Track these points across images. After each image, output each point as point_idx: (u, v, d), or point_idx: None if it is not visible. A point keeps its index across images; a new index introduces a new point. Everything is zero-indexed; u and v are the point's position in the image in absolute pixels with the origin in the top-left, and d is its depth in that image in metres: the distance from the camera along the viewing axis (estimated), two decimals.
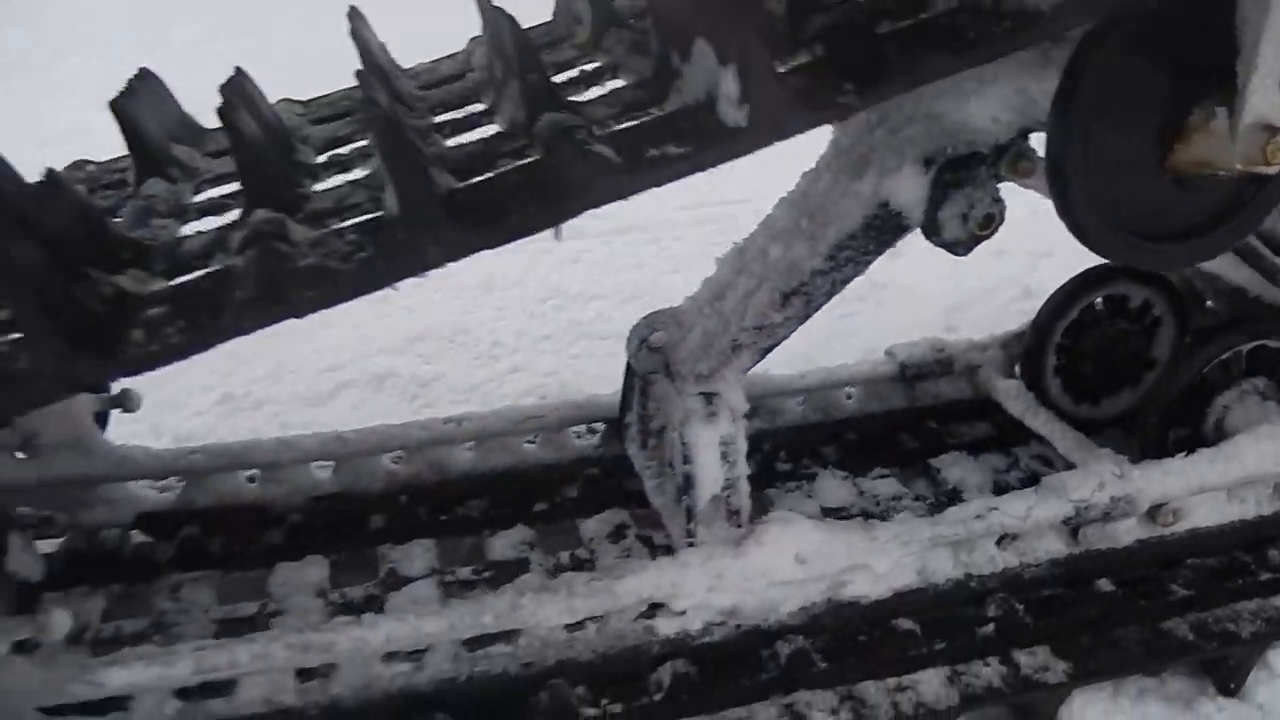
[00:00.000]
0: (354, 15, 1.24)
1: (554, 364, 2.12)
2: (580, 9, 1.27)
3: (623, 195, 0.77)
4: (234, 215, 1.01)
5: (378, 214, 0.83)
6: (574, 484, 1.46)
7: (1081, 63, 0.94)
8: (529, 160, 0.84)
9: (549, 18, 1.38)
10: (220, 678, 1.00)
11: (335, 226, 0.83)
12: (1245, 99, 0.94)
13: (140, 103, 1.17)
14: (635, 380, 1.38)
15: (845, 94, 0.80)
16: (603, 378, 1.96)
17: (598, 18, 1.20)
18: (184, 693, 1.01)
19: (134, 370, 0.73)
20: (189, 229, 0.99)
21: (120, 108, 1.10)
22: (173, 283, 0.81)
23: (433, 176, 0.80)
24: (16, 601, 1.08)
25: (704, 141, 0.79)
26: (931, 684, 1.13)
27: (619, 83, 1.03)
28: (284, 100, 1.31)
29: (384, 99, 0.93)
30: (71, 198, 0.86)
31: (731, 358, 1.18)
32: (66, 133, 3.07)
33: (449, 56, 1.34)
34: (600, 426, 1.49)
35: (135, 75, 1.25)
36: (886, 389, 1.60)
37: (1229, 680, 1.22)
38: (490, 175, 0.82)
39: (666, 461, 1.38)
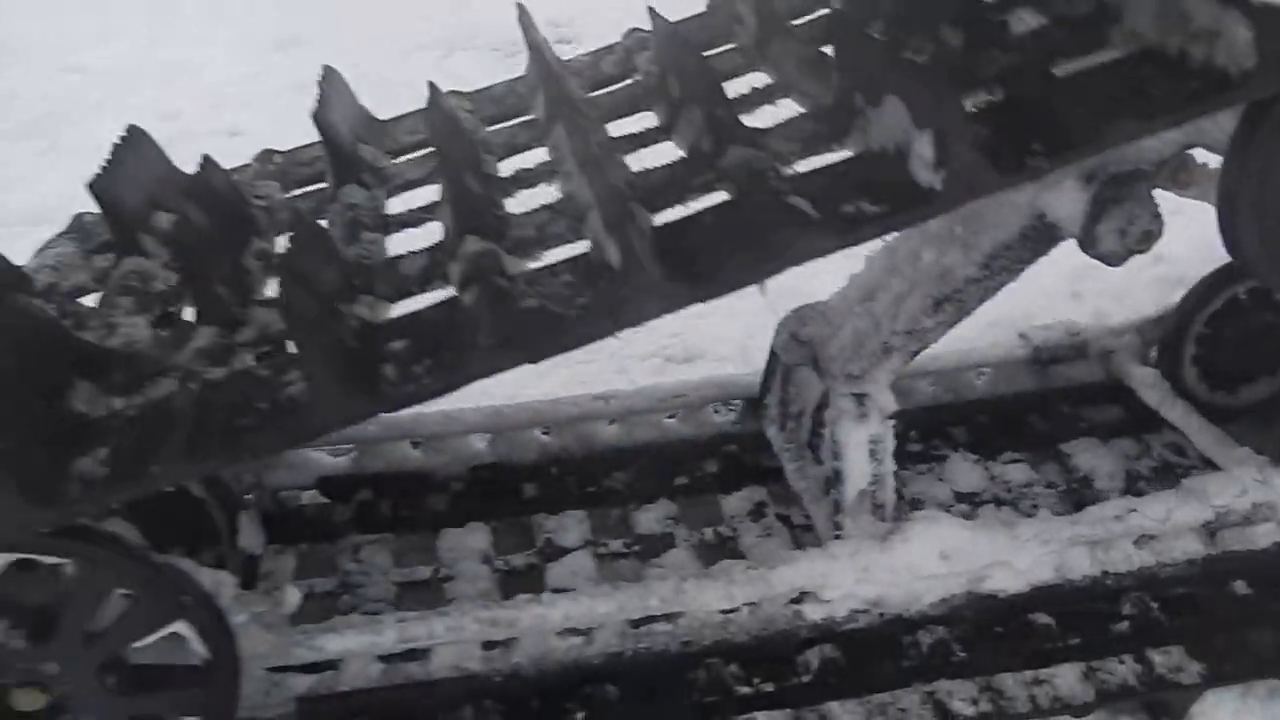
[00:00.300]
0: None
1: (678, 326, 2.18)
2: (742, 9, 1.28)
3: (819, 254, 0.82)
4: (433, 227, 1.09)
5: (584, 250, 0.90)
6: (713, 459, 1.53)
7: (1262, 110, 0.94)
8: (724, 202, 0.89)
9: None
10: (418, 646, 1.12)
11: (547, 263, 0.89)
12: None
13: (332, 107, 1.25)
14: (779, 366, 1.43)
15: (1036, 157, 0.83)
16: (720, 340, 2.02)
17: (763, 23, 1.22)
18: (386, 657, 1.13)
19: (394, 408, 0.81)
20: (393, 243, 1.06)
21: (320, 117, 1.17)
22: (403, 313, 0.89)
23: (636, 216, 0.85)
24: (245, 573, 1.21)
25: (898, 201, 0.83)
26: (1068, 679, 1.19)
27: (793, 106, 1.06)
28: (452, 93, 1.37)
29: (587, 141, 0.97)
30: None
31: (882, 359, 1.22)
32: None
33: (607, 51, 1.37)
34: (737, 404, 1.55)
35: (322, 78, 1.31)
36: (1018, 371, 1.63)
37: None
38: (688, 216, 0.88)
39: (804, 444, 1.45)
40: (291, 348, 0.91)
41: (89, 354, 0.96)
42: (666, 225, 0.87)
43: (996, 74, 0.93)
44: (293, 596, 1.06)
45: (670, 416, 1.53)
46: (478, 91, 1.37)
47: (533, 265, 0.91)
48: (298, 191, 1.26)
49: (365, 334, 0.86)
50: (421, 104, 1.29)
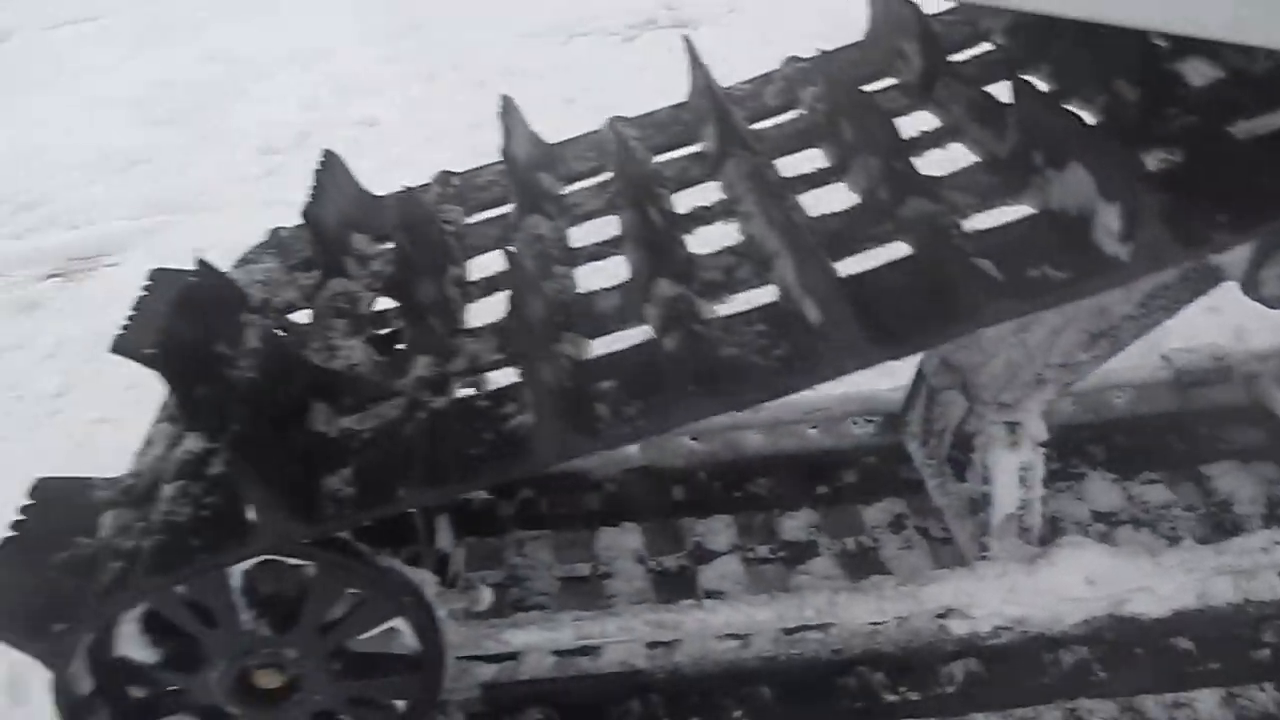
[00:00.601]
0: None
1: None
2: (905, 45, 1.32)
3: (1007, 318, 0.87)
4: (617, 260, 1.18)
5: (772, 298, 0.97)
6: (853, 470, 1.60)
7: None
8: (907, 256, 0.95)
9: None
10: (591, 643, 1.23)
11: (739, 310, 0.97)
12: None
13: (515, 138, 1.34)
14: (924, 387, 1.49)
15: (1221, 231, 0.86)
16: None
17: (928, 62, 1.26)
18: (560, 651, 1.24)
19: (610, 447, 0.90)
20: (581, 276, 1.15)
21: (506, 150, 1.26)
22: (604, 352, 0.98)
23: (828, 271, 0.91)
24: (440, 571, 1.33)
25: (1083, 270, 0.88)
26: (1208, 703, 1.23)
27: (966, 154, 1.10)
28: (618, 119, 1.44)
29: (765, 182, 1.04)
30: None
31: (1035, 390, 1.27)
32: None
33: (767, 80, 1.43)
34: (877, 418, 1.61)
35: (502, 109, 1.41)
36: (1159, 392, 1.64)
37: None
38: (873, 269, 0.94)
39: (944, 460, 1.51)
40: (501, 380, 1.02)
41: (321, 376, 1.07)
42: (855, 278, 0.94)
43: (1176, 133, 0.96)
44: (487, 595, 1.17)
45: (813, 427, 1.61)
46: (643, 117, 1.44)
47: (723, 311, 0.99)
48: (479, 217, 1.36)
49: (577, 371, 0.95)
50: (545, 93, 1.37)
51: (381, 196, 1.45)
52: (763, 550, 1.50)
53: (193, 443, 1.07)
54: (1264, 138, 0.94)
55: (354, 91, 3.36)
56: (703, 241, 1.12)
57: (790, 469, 1.59)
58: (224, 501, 0.97)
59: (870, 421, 1.63)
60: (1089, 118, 1.04)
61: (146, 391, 2.06)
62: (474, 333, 1.10)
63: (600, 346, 1.03)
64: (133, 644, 1.05)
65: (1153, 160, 0.96)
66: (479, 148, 2.87)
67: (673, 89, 1.43)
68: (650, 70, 3.06)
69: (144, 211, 2.54)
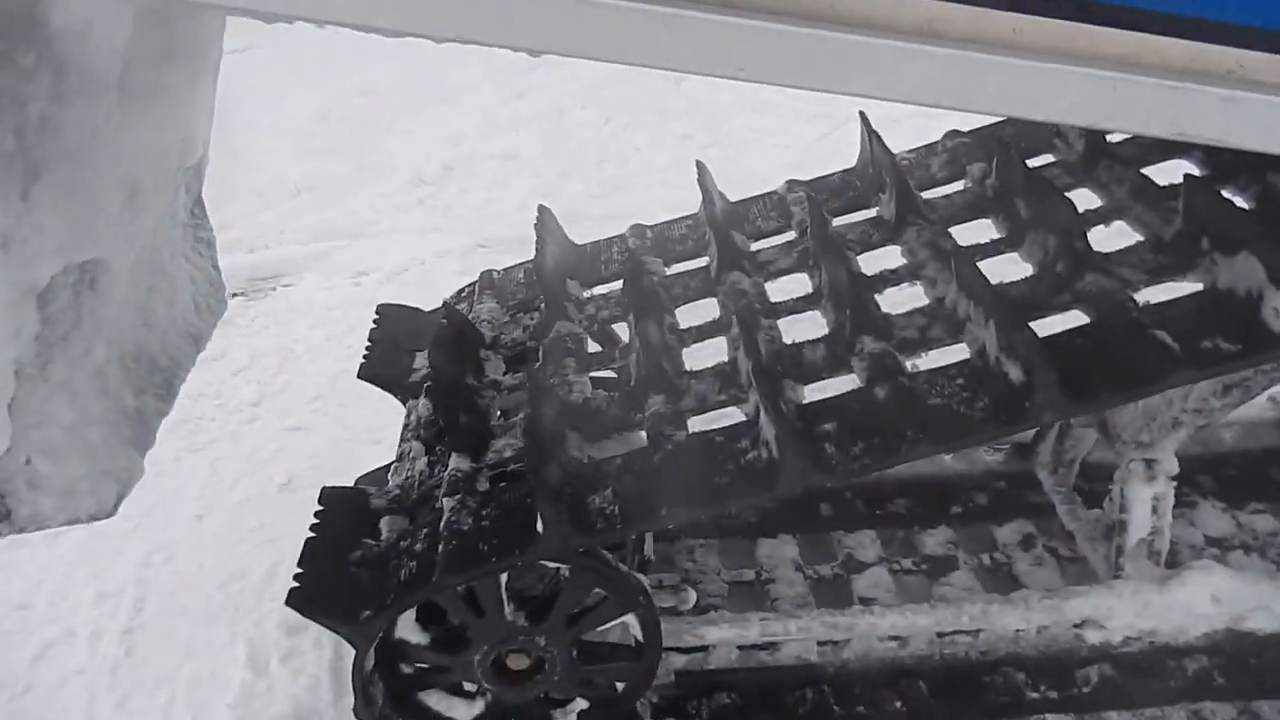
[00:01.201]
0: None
1: None
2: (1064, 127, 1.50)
3: (1182, 384, 1.04)
4: (816, 315, 1.37)
5: (966, 355, 1.16)
6: (984, 493, 1.78)
7: None
8: (1088, 324, 1.13)
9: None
10: (773, 640, 1.42)
11: (940, 365, 1.15)
12: None
13: (714, 200, 1.53)
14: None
15: None
16: None
17: (1089, 144, 1.43)
18: (746, 646, 1.43)
19: (839, 482, 1.08)
20: (784, 329, 1.34)
21: (709, 216, 1.46)
22: (821, 398, 1.17)
23: (1033, 338, 1.08)
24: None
25: (1254, 344, 1.05)
26: None
27: (1130, 233, 1.28)
28: (793, 182, 1.64)
29: (946, 249, 1.22)
30: None
31: (1171, 431, 1.43)
32: None
33: (931, 151, 1.60)
34: (1006, 446, 1.79)
35: (699, 174, 1.61)
36: (1265, 430, 1.80)
37: None
38: (1059, 334, 1.12)
39: (1072, 488, 1.68)
40: (741, 416, 1.21)
41: (570, 408, 1.28)
42: (1049, 341, 1.11)
43: None
44: (692, 596, 1.37)
45: (948, 454, 1.78)
46: (816, 181, 1.63)
47: (923, 364, 1.18)
48: (678, 268, 1.56)
49: (802, 413, 1.15)
50: (671, 133, 1.56)
51: (584, 246, 1.66)
52: (906, 563, 1.68)
53: (458, 462, 1.28)
54: None
55: (492, 126, 3.56)
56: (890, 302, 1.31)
57: (926, 490, 1.78)
58: (505, 513, 1.18)
59: (999, 450, 1.81)
60: (1245, 204, 1.21)
61: (330, 404, 2.29)
62: (696, 374, 1.30)
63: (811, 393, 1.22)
64: (409, 628, 1.26)
65: None
66: (609, 181, 3.08)
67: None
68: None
69: (312, 237, 2.79)
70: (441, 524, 1.19)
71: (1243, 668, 1.43)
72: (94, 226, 1.06)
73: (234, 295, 2.62)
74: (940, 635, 1.44)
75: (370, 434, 2.13)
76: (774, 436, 1.11)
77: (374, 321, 1.66)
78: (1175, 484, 1.44)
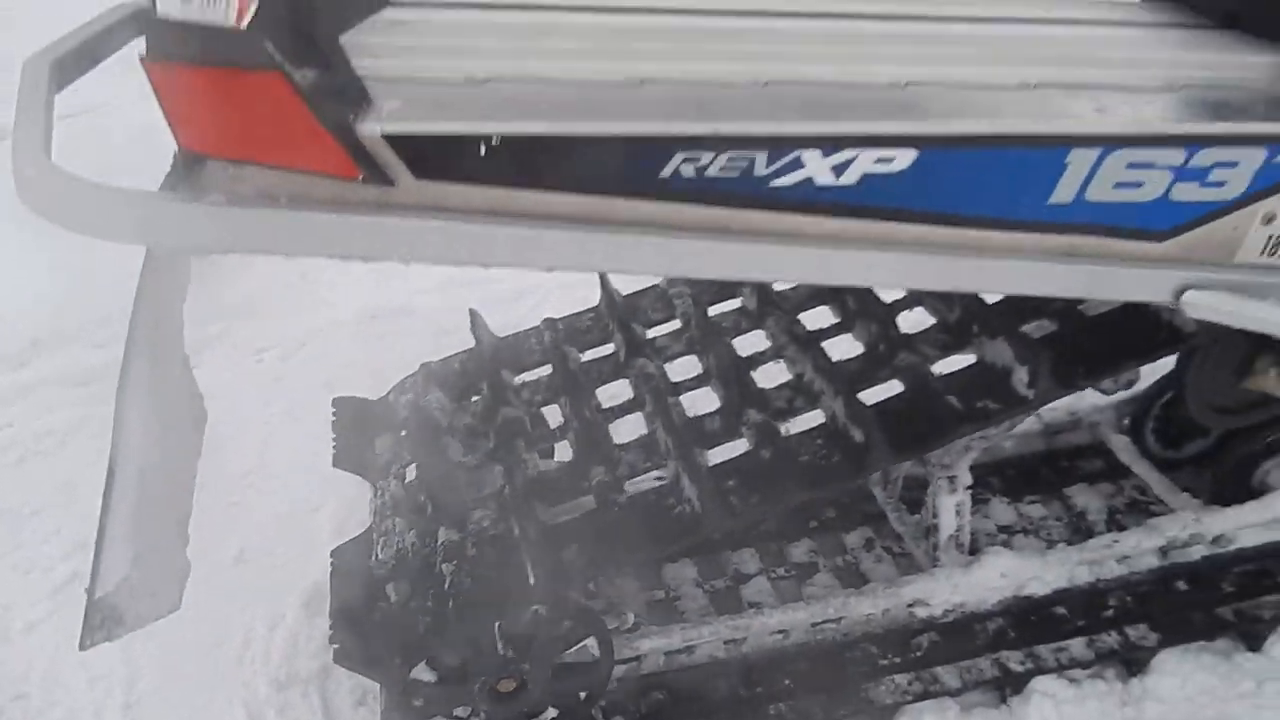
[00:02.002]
0: None
1: None
2: None
3: (961, 437, 1.53)
4: (709, 391, 1.79)
5: (823, 420, 1.60)
6: (834, 508, 2.25)
7: None
8: (901, 393, 1.60)
9: None
10: (690, 644, 1.82)
11: (805, 428, 1.59)
12: None
13: (610, 294, 1.93)
14: None
15: (1082, 378, 1.55)
16: None
17: None
18: (670, 651, 1.83)
19: (741, 526, 1.50)
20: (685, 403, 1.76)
21: (607, 305, 1.85)
22: (722, 460, 1.59)
23: (867, 409, 1.55)
24: None
25: (1008, 405, 1.54)
26: (1079, 646, 1.93)
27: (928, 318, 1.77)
28: (670, 279, 2.05)
29: (798, 335, 1.69)
30: None
31: (964, 454, 1.94)
32: None
33: None
34: None
35: (601, 279, 2.00)
36: (1033, 439, 2.37)
37: (1254, 642, 2.01)
38: (880, 402, 1.58)
39: (899, 499, 2.17)
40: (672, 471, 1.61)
41: (530, 481, 1.64)
42: (875, 407, 1.57)
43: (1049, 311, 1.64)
44: (630, 617, 1.76)
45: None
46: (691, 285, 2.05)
47: (794, 429, 1.62)
48: (589, 355, 1.94)
49: (711, 473, 1.56)
50: None
51: (506, 337, 2.02)
52: (780, 571, 2.13)
53: (447, 534, 1.62)
54: (1101, 315, 1.63)
55: None
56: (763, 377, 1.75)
57: (791, 510, 2.24)
58: (498, 572, 1.53)
59: None
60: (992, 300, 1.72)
61: (261, 478, 2.52)
62: (625, 447, 1.69)
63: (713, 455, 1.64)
64: (421, 670, 1.59)
65: (1035, 330, 1.64)
66: None
67: None
68: None
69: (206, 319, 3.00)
70: (446, 585, 1.53)
71: (1025, 624, 1.95)
72: None
73: None
74: (813, 625, 1.88)
75: (307, 504, 2.40)
76: (695, 494, 1.52)
77: (333, 413, 1.97)
78: (971, 489, 1.95)
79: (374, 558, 1.68)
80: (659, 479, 1.66)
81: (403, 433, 1.91)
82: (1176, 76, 1.48)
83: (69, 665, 1.98)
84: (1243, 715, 1.86)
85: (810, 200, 1.24)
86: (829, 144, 1.22)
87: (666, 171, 1.18)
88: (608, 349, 1.95)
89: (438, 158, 1.11)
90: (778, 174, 1.22)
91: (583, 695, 1.70)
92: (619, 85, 1.25)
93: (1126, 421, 2.33)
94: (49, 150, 1.10)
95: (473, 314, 2.01)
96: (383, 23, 1.27)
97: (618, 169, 1.17)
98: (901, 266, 1.30)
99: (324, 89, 1.05)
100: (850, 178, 1.24)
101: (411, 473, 1.81)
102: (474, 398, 1.93)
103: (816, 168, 1.22)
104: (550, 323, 2.03)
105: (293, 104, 1.02)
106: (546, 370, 1.94)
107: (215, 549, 2.28)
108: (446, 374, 2.00)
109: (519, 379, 1.94)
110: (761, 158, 1.20)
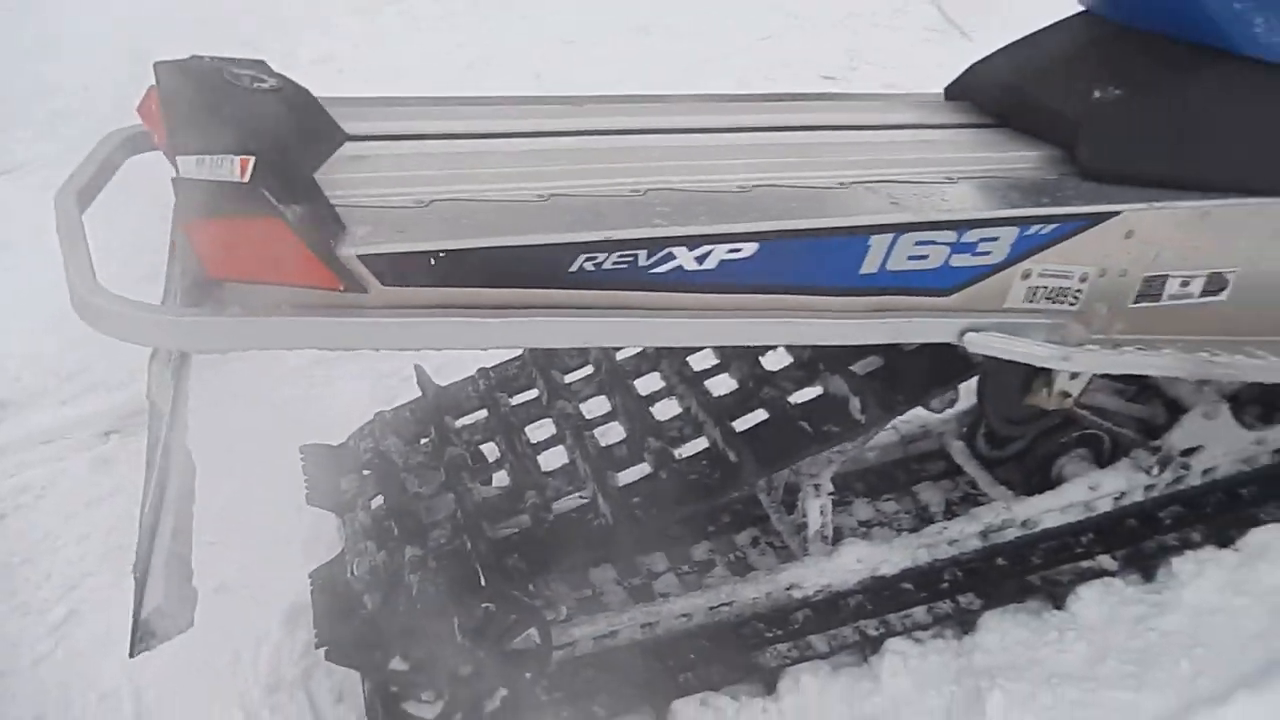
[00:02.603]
0: None
1: None
2: None
3: (810, 455, 2.00)
4: (616, 425, 2.22)
5: (706, 446, 2.05)
6: (727, 513, 2.70)
7: None
8: (765, 420, 2.06)
9: None
10: (614, 629, 2.23)
11: (693, 453, 2.03)
12: None
13: (538, 352, 2.36)
14: None
15: (900, 405, 2.03)
16: None
17: None
18: (597, 636, 2.23)
19: (655, 535, 1.95)
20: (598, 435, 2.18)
21: (535, 360, 2.28)
22: (630, 481, 2.02)
23: (737, 431, 2.00)
24: None
25: (846, 428, 2.01)
26: (919, 612, 2.41)
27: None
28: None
29: (686, 373, 2.15)
30: None
31: (827, 467, 2.40)
32: None
33: None
34: None
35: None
36: (891, 448, 2.86)
37: (1058, 602, 2.52)
38: (750, 427, 2.04)
39: (780, 503, 2.63)
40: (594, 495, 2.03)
41: (477, 506, 2.04)
42: (745, 432, 2.03)
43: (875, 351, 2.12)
44: (564, 609, 2.16)
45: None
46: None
47: (684, 453, 2.06)
48: (517, 399, 2.36)
49: (622, 493, 1.98)
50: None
51: (447, 387, 2.42)
52: (684, 567, 2.57)
53: (412, 550, 2.00)
54: (912, 353, 2.11)
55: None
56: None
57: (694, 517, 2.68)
58: (456, 579, 1.92)
59: None
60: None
61: (235, 515, 2.85)
62: (551, 474, 2.11)
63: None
64: (397, 661, 1.97)
65: (862, 366, 2.12)
66: None
67: None
68: None
69: None
70: (414, 592, 1.92)
71: (880, 598, 2.42)
72: None
73: (105, 434, 3.11)
74: (711, 608, 2.32)
75: (275, 541, 2.74)
76: (609, 510, 1.95)
77: (301, 458, 2.33)
78: (833, 494, 2.42)
79: (349, 574, 2.06)
80: (581, 499, 2.08)
81: (365, 472, 2.30)
82: (954, 170, 1.98)
83: (78, 689, 2.29)
84: (1049, 658, 2.35)
85: (681, 282, 1.69)
86: (692, 241, 1.66)
87: (574, 268, 1.61)
88: (532, 393, 2.37)
89: (398, 269, 1.51)
90: (655, 265, 1.65)
91: (528, 676, 2.10)
92: (532, 202, 1.68)
93: (964, 430, 2.84)
94: (94, 274, 1.46)
95: (418, 369, 2.41)
96: (345, 158, 1.65)
97: (535, 268, 1.59)
98: (754, 329, 1.76)
99: (309, 222, 1.44)
100: (710, 264, 1.69)
101: (376, 504, 2.20)
102: (423, 440, 2.33)
103: (684, 259, 1.67)
104: (483, 371, 2.44)
105: (288, 238, 1.41)
106: (483, 413, 2.35)
107: (200, 584, 2.61)
108: (398, 420, 2.38)
109: (459, 422, 2.34)
110: (642, 254, 1.64)
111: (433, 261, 1.52)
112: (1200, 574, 2.50)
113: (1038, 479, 2.57)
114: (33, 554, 2.64)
